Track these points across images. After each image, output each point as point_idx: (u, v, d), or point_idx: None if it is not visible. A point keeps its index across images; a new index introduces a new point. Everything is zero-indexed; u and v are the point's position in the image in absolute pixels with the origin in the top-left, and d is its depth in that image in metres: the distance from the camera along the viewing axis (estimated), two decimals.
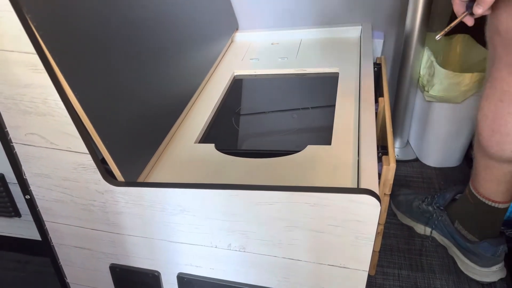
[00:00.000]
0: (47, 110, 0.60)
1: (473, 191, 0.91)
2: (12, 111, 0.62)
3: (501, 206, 0.89)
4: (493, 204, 0.89)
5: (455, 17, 0.74)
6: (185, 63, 0.89)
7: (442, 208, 1.00)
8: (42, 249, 0.80)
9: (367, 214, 0.57)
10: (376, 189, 0.58)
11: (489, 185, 0.87)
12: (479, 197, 0.90)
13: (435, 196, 1.03)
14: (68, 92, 0.58)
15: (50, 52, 0.55)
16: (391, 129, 0.73)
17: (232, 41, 1.22)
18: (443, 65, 1.16)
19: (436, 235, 1.03)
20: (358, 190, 0.57)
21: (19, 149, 0.67)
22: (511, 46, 0.71)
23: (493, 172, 0.85)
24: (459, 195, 1.00)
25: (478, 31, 1.12)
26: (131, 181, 0.66)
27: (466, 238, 0.94)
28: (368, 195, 0.56)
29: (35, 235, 0.79)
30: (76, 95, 0.58)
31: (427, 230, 1.04)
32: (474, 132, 0.87)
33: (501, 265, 0.92)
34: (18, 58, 0.56)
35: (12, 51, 0.56)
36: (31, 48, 0.55)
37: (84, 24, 0.62)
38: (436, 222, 1.01)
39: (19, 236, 0.84)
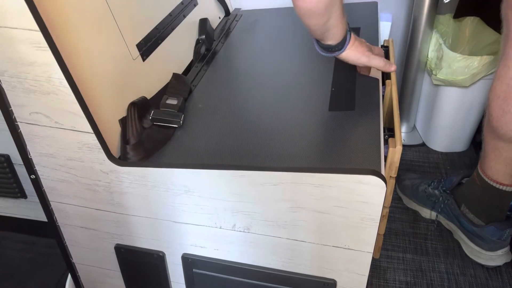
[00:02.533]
0: (51, 89, 0.60)
1: (481, 173, 0.91)
2: (17, 90, 0.62)
3: (508, 189, 0.88)
4: (500, 187, 0.88)
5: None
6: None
7: (448, 191, 1.00)
8: (48, 230, 0.81)
9: (372, 195, 0.57)
10: (382, 171, 0.57)
11: (498, 167, 0.86)
12: (486, 179, 0.89)
13: (442, 180, 1.02)
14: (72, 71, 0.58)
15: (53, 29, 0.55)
16: (398, 111, 0.72)
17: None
18: (452, 48, 1.14)
19: (441, 219, 1.03)
20: (363, 171, 0.56)
21: (23, 129, 0.66)
22: None
23: (502, 154, 0.84)
24: (465, 179, 0.99)
25: (488, 14, 1.10)
26: (136, 161, 0.66)
27: (472, 221, 0.94)
28: (373, 176, 0.55)
29: (41, 216, 0.79)
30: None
31: (433, 214, 1.04)
32: (484, 113, 0.86)
33: (506, 249, 0.92)
34: (21, 35, 0.56)
35: (16, 28, 0.56)
36: (34, 25, 0.54)
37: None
38: (442, 205, 1.00)
39: (25, 217, 0.85)
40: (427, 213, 1.05)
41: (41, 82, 0.60)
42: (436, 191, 1.01)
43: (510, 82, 0.76)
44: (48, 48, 0.56)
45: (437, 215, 1.03)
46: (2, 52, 0.59)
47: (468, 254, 0.96)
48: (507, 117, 0.78)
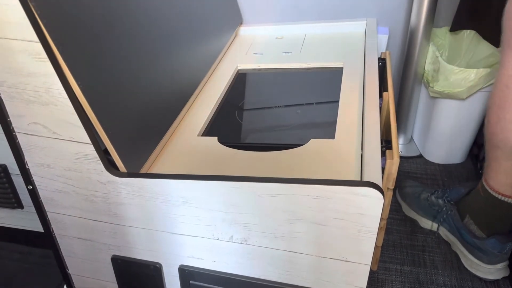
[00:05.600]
0: (50, 100, 0.60)
1: (484, 184, 0.90)
2: (15, 100, 0.62)
3: (510, 200, 0.87)
4: (502, 198, 0.87)
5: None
6: (189, 56, 0.89)
7: (452, 202, 0.99)
8: (44, 240, 0.80)
9: (370, 207, 0.57)
10: (379, 182, 0.57)
11: (499, 178, 0.86)
12: (489, 190, 0.89)
13: (447, 190, 1.01)
14: (71, 82, 0.58)
15: (53, 41, 0.55)
16: (395, 123, 0.73)
17: (236, 35, 1.21)
18: (449, 60, 1.15)
19: (441, 230, 1.02)
20: (361, 183, 0.56)
21: (21, 139, 0.66)
22: None
23: (501, 163, 0.84)
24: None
25: (484, 27, 1.12)
26: (134, 172, 0.66)
27: (474, 234, 0.93)
28: (371, 187, 0.55)
29: (38, 227, 0.79)
30: (79, 85, 0.58)
31: (434, 225, 1.03)
32: (484, 122, 0.86)
33: (506, 263, 0.91)
34: (21, 46, 0.56)
35: (16, 39, 0.56)
36: (34, 37, 0.55)
37: (88, 13, 0.62)
38: (445, 216, 0.99)
39: (22, 228, 0.84)
40: (426, 223, 1.05)
41: (40, 92, 0.60)
42: (440, 201, 1.00)
43: (504, 88, 0.76)
44: (47, 59, 0.56)
45: (438, 226, 1.02)
46: (1, 62, 0.59)
47: (467, 266, 0.96)
48: (501, 124, 0.79)
